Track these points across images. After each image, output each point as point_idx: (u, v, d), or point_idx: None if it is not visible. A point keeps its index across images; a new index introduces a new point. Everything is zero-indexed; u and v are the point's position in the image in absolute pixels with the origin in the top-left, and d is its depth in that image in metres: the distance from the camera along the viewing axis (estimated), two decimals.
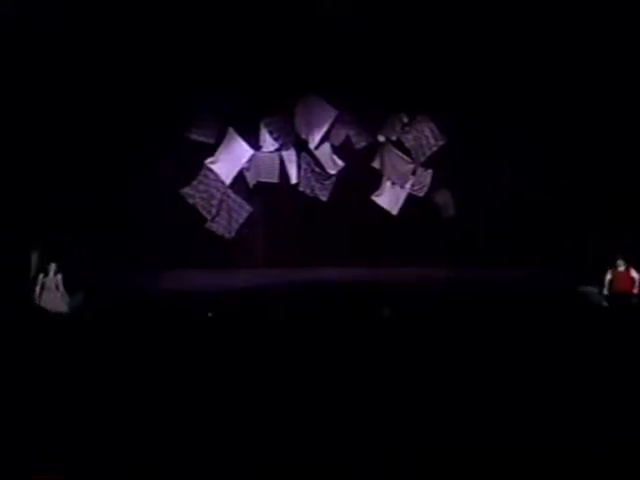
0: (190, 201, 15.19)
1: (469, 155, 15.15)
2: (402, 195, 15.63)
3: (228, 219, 15.32)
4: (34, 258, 12.99)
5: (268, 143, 15.45)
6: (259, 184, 15.64)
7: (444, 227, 15.54)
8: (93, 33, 13.16)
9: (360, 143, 15.65)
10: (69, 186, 14.07)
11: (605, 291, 13.52)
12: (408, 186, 15.60)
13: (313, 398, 6.52)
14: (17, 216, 13.41)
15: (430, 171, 15.57)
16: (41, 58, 13.08)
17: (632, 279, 13.42)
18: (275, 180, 15.58)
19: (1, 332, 7.74)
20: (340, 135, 15.59)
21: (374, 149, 15.74)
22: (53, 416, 5.72)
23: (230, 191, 15.39)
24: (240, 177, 15.50)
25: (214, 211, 15.27)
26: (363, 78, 14.59)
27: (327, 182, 15.65)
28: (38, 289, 12.81)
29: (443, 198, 15.64)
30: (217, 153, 15.28)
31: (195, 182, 15.21)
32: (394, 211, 15.64)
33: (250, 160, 15.41)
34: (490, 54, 14.18)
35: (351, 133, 15.59)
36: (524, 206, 15.09)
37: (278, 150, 15.54)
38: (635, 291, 13.40)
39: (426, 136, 15.35)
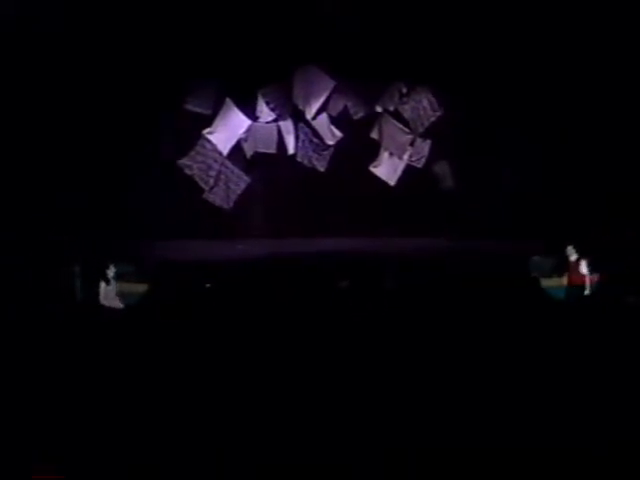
0: (187, 172, 15.12)
1: (468, 126, 15.01)
2: (400, 166, 15.51)
3: (226, 190, 15.28)
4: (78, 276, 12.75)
5: (265, 113, 15.31)
6: (257, 154, 15.53)
7: (442, 198, 15.47)
8: (87, 18, 13.21)
9: (358, 114, 15.48)
10: (66, 163, 14.05)
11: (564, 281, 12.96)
12: (406, 157, 15.48)
13: (312, 368, 6.68)
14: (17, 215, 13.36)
15: (428, 142, 15.42)
16: (38, 53, 13.11)
17: (582, 274, 12.63)
18: (273, 151, 15.46)
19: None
20: (338, 105, 15.42)
21: (372, 120, 15.58)
22: (53, 416, 5.75)
23: (228, 162, 15.29)
24: (237, 148, 15.39)
25: (212, 182, 15.21)
26: (361, 48, 14.42)
27: (325, 152, 15.54)
28: (101, 297, 12.36)
29: (441, 169, 15.55)
30: (214, 124, 15.13)
31: (193, 153, 15.12)
32: (392, 182, 15.52)
33: (247, 130, 15.29)
34: (490, 26, 14.06)
35: (349, 104, 15.41)
36: (525, 176, 14.98)
37: (275, 120, 15.41)
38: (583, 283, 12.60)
39: (424, 107, 15.19)
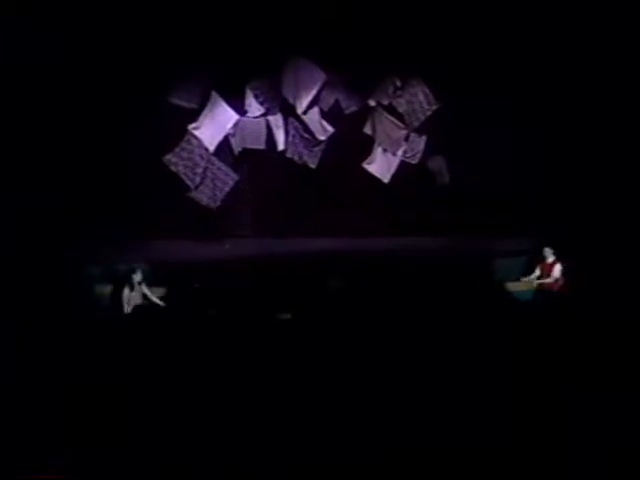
0: (173, 169, 14.54)
1: (465, 120, 14.60)
2: (394, 162, 15.17)
3: (212, 188, 14.83)
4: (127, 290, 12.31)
5: (254, 108, 14.83)
6: (245, 151, 15.12)
7: (438, 195, 15.19)
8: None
9: (350, 108, 15.09)
10: (49, 169, 13.40)
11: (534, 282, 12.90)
12: (400, 153, 15.14)
13: (306, 373, 6.83)
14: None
15: (424, 137, 15.12)
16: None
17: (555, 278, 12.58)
18: (262, 146, 15.05)
19: None
20: (329, 99, 15.00)
21: (365, 114, 15.24)
22: (53, 415, 5.99)
23: (214, 158, 14.78)
24: (225, 144, 14.92)
25: (198, 179, 14.71)
26: (354, 40, 13.96)
27: (316, 148, 15.15)
28: (125, 306, 12.03)
29: (437, 165, 15.25)
30: (200, 118, 14.58)
31: (178, 149, 14.54)
32: (385, 179, 15.21)
33: (235, 126, 14.81)
34: (490, 16, 13.52)
35: (341, 97, 15.00)
36: (523, 174, 14.64)
37: (264, 115, 14.95)
38: (554, 288, 12.52)
39: (419, 100, 14.79)
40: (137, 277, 12.16)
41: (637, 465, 5.12)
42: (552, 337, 7.88)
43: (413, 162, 15.19)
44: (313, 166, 15.20)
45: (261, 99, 14.78)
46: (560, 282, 12.50)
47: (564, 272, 12.59)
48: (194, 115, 14.61)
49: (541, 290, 12.59)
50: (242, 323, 9.29)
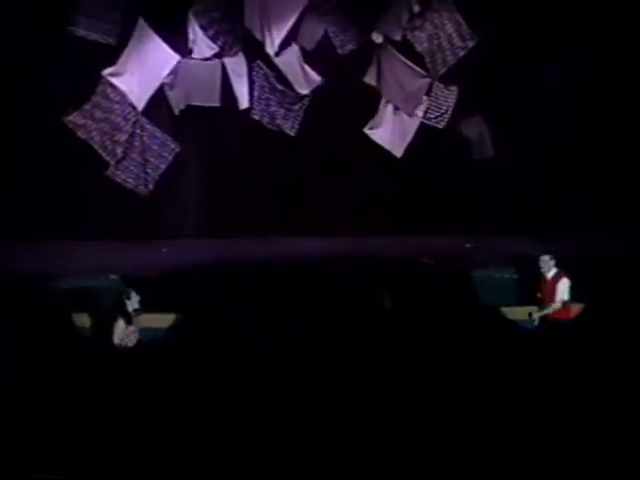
0: (82, 135, 12.36)
1: (513, 63, 12.59)
2: (411, 127, 13.00)
3: (142, 164, 12.79)
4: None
5: (202, 45, 12.71)
6: (190, 109, 13.04)
7: (473, 175, 13.10)
8: None
9: (345, 46, 12.93)
10: None
11: (535, 316, 10.75)
12: (420, 113, 12.92)
13: (306, 375, 6.95)
14: None
15: (455, 89, 12.74)
16: None
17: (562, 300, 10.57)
18: (215, 103, 12.98)
19: None
20: (315, 33, 12.87)
21: (368, 55, 13.03)
22: (52, 416, 6.31)
23: (145, 120, 12.69)
24: (160, 99, 12.81)
25: (120, 152, 12.64)
26: None
27: (295, 107, 13.19)
28: (121, 343, 10.42)
29: (474, 130, 13.07)
30: (122, 60, 12.32)
31: (88, 106, 12.31)
32: (398, 152, 13.02)
33: (175, 72, 12.64)
34: None
35: (331, 30, 12.83)
36: (585, 143, 12.84)
37: (218, 57, 12.88)
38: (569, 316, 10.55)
39: (448, 34, 12.51)
40: (133, 304, 10.36)
41: (637, 465, 5.41)
42: (552, 338, 8.36)
43: (439, 126, 12.95)
44: (291, 133, 13.32)
45: (212, 32, 12.75)
46: (569, 307, 10.50)
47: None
48: (112, 55, 12.53)
49: (546, 321, 10.80)
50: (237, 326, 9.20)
